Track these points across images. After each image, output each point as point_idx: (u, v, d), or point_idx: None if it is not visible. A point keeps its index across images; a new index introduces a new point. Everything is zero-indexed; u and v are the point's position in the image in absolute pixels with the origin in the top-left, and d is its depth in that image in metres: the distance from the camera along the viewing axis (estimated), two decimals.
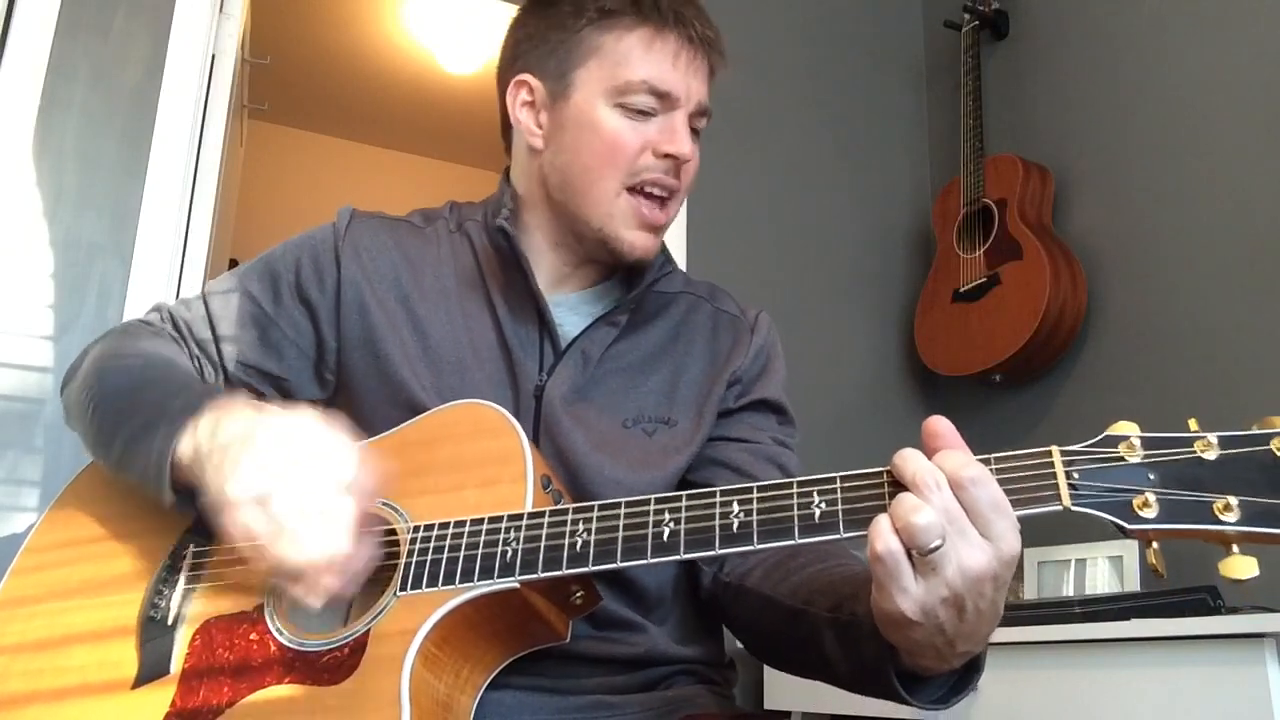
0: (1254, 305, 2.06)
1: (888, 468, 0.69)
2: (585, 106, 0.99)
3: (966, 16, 2.82)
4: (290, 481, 0.74)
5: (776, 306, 1.13)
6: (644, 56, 0.98)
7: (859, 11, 3.06)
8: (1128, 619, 1.56)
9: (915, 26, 3.14)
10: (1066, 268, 2.41)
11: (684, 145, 0.98)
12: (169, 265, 2.05)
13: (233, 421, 0.80)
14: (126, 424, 0.87)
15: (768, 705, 2.20)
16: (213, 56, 2.26)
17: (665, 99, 0.98)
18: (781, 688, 2.18)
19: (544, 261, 1.04)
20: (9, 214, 1.97)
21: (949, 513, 0.64)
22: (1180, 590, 1.55)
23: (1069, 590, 2.14)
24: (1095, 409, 2.39)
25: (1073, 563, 2.16)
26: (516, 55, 1.05)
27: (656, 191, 0.99)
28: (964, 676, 0.74)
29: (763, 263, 2.70)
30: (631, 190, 0.99)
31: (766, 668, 2.12)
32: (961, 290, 2.58)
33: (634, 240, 1.00)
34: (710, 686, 0.99)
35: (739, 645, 1.00)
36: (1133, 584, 2.03)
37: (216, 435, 0.79)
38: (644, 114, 0.98)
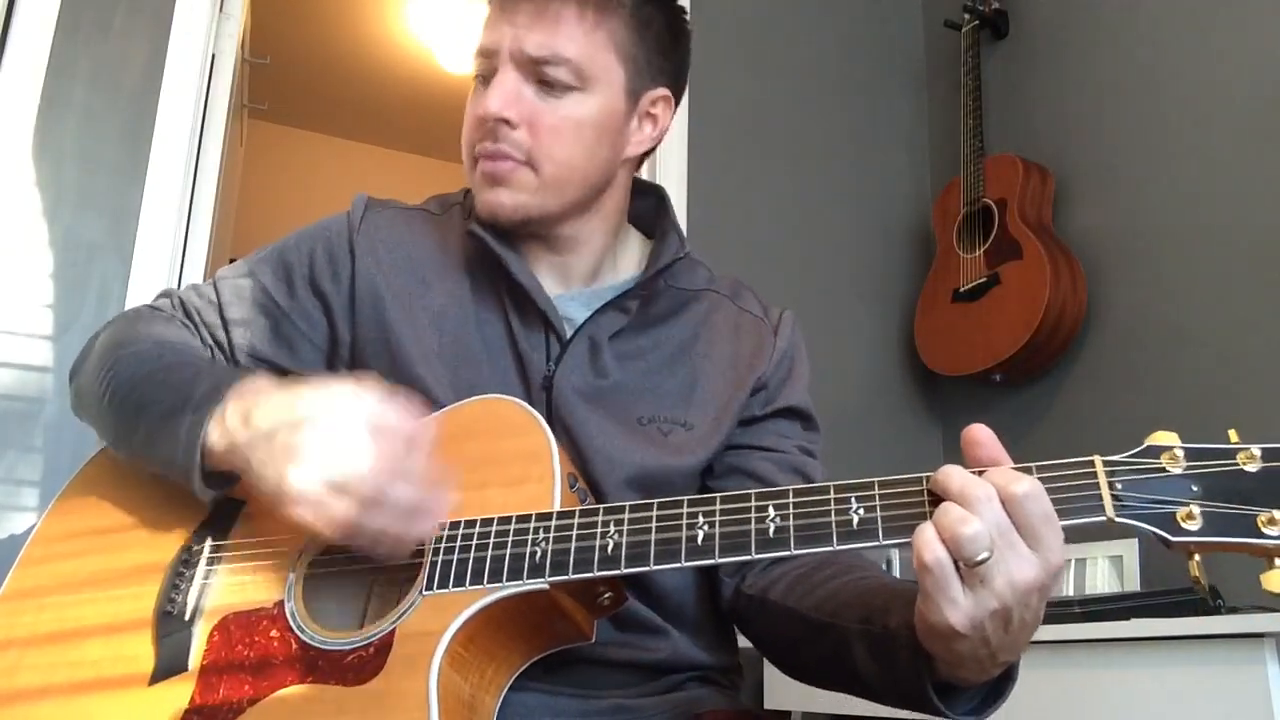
0: (1254, 305, 2.06)
1: (927, 474, 0.68)
2: None
3: (966, 16, 2.81)
4: (361, 458, 0.74)
5: (776, 305, 1.12)
6: (483, 30, 0.98)
7: (859, 11, 3.06)
8: (1128, 619, 1.56)
9: (915, 26, 3.14)
10: (1066, 268, 2.41)
11: (488, 103, 0.93)
12: (169, 265, 2.05)
13: (268, 405, 0.79)
14: (147, 412, 0.85)
15: (768, 705, 2.20)
16: (213, 56, 2.25)
17: (487, 58, 0.96)
18: (781, 688, 2.18)
19: (527, 251, 1.02)
20: (9, 214, 1.97)
21: (999, 526, 0.63)
22: (1180, 590, 1.55)
23: (1069, 590, 2.14)
24: (1095, 409, 2.39)
25: (1072, 562, 2.16)
26: None
27: (486, 160, 0.96)
28: (997, 685, 0.74)
29: (762, 262, 2.70)
30: (475, 164, 0.97)
31: (767, 667, 2.12)
32: (961, 290, 2.58)
33: (480, 198, 0.97)
34: (719, 688, 0.98)
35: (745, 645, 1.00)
36: (1133, 584, 2.03)
37: (252, 421, 0.78)
38: (484, 85, 0.96)
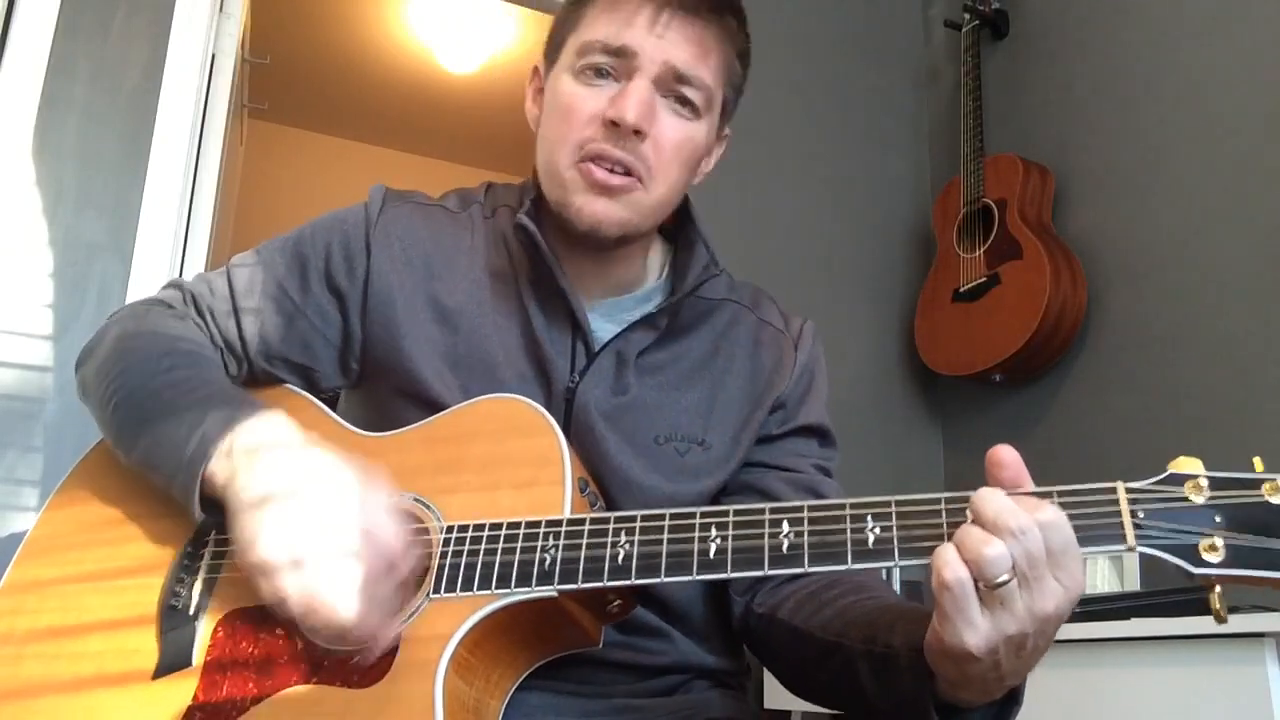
0: (1254, 304, 2.06)
1: (945, 494, 0.68)
2: (555, 79, 0.96)
3: (966, 16, 2.82)
4: (329, 555, 0.72)
5: None
6: (603, 17, 0.92)
7: (859, 11, 3.06)
8: (1128, 619, 1.56)
9: (915, 26, 3.14)
10: (1066, 268, 2.41)
11: (627, 109, 0.88)
12: (169, 265, 2.05)
13: (276, 461, 0.78)
14: (150, 429, 0.84)
15: (768, 705, 2.20)
16: (213, 56, 2.25)
17: (620, 57, 0.91)
18: (781, 689, 2.17)
19: (567, 259, 0.97)
20: (9, 213, 1.97)
21: (1029, 557, 0.63)
22: (1180, 590, 1.55)
23: None
24: (1095, 409, 2.39)
25: None
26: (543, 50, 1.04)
27: (601, 166, 0.91)
28: (1003, 710, 0.73)
29: (762, 263, 2.70)
30: (581, 163, 0.92)
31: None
32: (961, 290, 2.58)
33: (581, 204, 0.91)
34: (726, 690, 0.98)
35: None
36: (1133, 584, 2.03)
37: (256, 470, 0.77)
38: (601, 78, 0.92)
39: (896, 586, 2.14)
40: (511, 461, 0.82)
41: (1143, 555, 0.64)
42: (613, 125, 0.90)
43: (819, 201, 2.87)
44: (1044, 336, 2.38)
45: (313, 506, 0.74)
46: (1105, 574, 2.09)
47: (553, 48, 1.00)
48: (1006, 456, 0.67)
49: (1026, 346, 2.39)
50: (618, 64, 0.92)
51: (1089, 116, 2.53)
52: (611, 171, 0.91)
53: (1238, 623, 1.42)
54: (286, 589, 0.72)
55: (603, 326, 0.98)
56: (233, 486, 0.78)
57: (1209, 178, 2.20)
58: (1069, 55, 2.63)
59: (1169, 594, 1.58)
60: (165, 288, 1.02)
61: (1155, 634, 1.50)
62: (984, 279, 2.52)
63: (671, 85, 0.92)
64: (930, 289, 2.72)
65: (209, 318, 0.98)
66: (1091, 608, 1.65)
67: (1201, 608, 1.51)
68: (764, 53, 3.17)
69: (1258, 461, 0.65)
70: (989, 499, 0.64)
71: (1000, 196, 2.54)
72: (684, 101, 0.93)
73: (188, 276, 2.05)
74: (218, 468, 0.79)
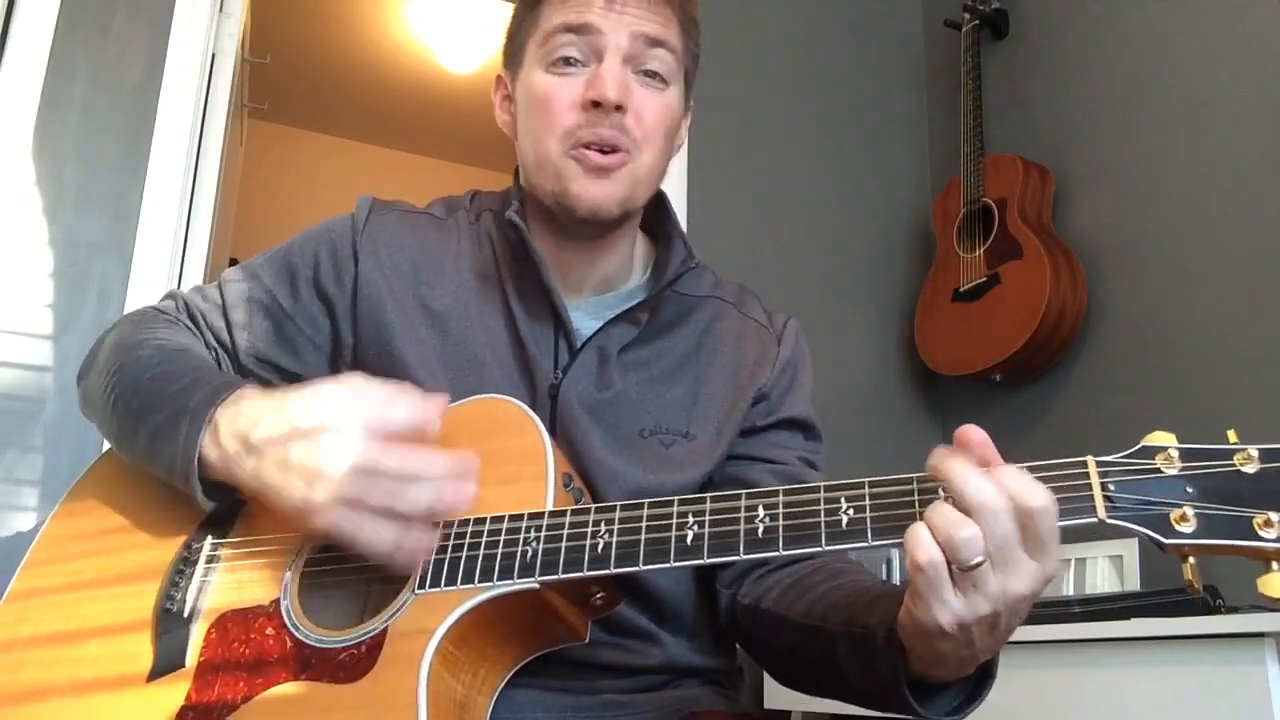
0: (1254, 305, 2.06)
1: (917, 474, 0.68)
2: (526, 79, 0.99)
3: (966, 16, 2.81)
4: (362, 467, 0.74)
5: (776, 306, 1.12)
6: (560, 7, 0.96)
7: (859, 11, 3.06)
8: (1128, 619, 1.56)
9: (915, 26, 3.14)
10: (1066, 268, 2.41)
11: (606, 87, 0.91)
12: (169, 265, 2.05)
13: (262, 421, 0.79)
14: (146, 421, 0.86)
15: (768, 705, 2.20)
16: (213, 56, 2.26)
17: (585, 35, 0.94)
18: (781, 688, 2.17)
19: (553, 257, 1.00)
20: (9, 213, 1.97)
21: (1006, 538, 0.62)
22: (1180, 590, 1.55)
23: (1069, 590, 2.14)
24: (1095, 409, 2.39)
25: (1072, 562, 2.16)
26: (503, 59, 1.06)
27: (595, 152, 0.93)
28: (977, 686, 0.74)
29: (762, 263, 2.70)
30: (574, 150, 0.94)
31: None
32: (961, 290, 2.58)
33: (580, 190, 0.93)
34: (716, 688, 0.98)
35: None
36: (1133, 584, 2.03)
37: (251, 439, 0.79)
38: (571, 65, 0.95)
39: (896, 570, 2.15)
40: (497, 459, 0.83)
41: (1113, 527, 0.63)
42: (594, 106, 0.93)
43: (819, 201, 2.87)
44: (1044, 336, 2.38)
45: (323, 443, 0.76)
46: (1105, 574, 2.09)
47: (513, 52, 1.02)
48: (974, 436, 0.67)
49: (1026, 346, 2.39)
50: (585, 48, 0.95)
51: (1089, 116, 2.53)
52: (603, 152, 0.94)
53: (1238, 623, 1.42)
54: (344, 525, 0.75)
55: (586, 323, 1.00)
56: (237, 463, 0.80)
57: (1208, 178, 2.20)
58: (1069, 55, 2.63)
59: (1169, 594, 1.58)
60: (162, 299, 1.05)
61: (1155, 634, 1.50)
62: (984, 279, 2.52)
63: (640, 59, 0.95)
64: (930, 289, 2.72)
65: (203, 323, 1.00)
66: (1091, 608, 1.66)
67: (1201, 608, 1.51)
68: (764, 53, 3.19)
69: (1231, 434, 0.64)
70: (966, 478, 0.63)
71: (1000, 196, 2.54)
72: (652, 74, 0.96)
73: (184, 286, 2.07)
74: (212, 451, 0.81)
